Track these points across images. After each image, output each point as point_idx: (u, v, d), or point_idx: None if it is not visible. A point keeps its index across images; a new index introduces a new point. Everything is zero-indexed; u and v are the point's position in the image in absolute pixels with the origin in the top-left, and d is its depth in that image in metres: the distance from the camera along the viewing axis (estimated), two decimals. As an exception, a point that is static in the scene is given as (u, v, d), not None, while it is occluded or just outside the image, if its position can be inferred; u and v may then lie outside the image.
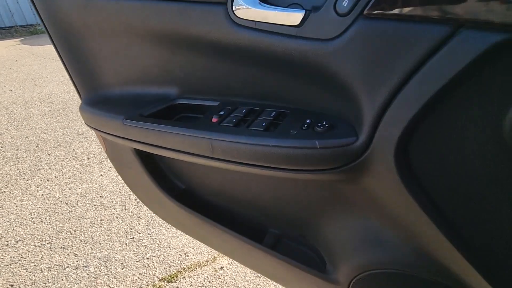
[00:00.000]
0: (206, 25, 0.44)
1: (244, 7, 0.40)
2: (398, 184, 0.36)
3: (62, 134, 2.51)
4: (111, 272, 1.31)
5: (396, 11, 0.30)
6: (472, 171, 0.34)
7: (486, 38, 0.26)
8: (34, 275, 1.32)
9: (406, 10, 0.29)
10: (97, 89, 0.75)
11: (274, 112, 0.47)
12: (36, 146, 2.34)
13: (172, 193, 0.76)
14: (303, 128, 0.41)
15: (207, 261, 1.35)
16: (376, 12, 0.31)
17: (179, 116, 0.64)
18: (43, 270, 1.34)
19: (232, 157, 0.46)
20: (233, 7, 0.41)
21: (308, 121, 0.42)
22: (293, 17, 0.36)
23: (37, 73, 4.24)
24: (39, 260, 1.39)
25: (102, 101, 0.74)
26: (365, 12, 0.31)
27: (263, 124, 0.44)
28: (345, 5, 0.32)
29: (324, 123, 0.40)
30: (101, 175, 1.97)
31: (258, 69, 0.46)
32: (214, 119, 0.50)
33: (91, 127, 0.72)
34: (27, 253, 1.43)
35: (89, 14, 0.59)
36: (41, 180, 1.94)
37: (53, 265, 1.36)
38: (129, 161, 0.77)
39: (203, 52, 0.50)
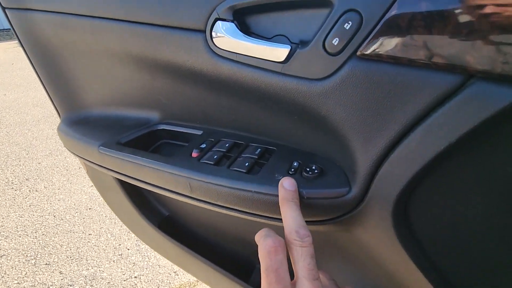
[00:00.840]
0: (183, 53, 0.40)
1: (223, 36, 0.35)
2: (395, 243, 0.31)
3: (54, 142, 2.45)
4: (96, 292, 1.26)
5: (394, 53, 0.25)
6: (477, 235, 0.29)
7: (502, 94, 0.22)
8: (16, 294, 1.27)
9: (406, 53, 0.25)
10: (77, 109, 0.70)
11: (259, 149, 0.42)
12: (27, 154, 2.28)
13: (155, 221, 0.71)
14: (290, 172, 0.37)
15: (198, 281, 1.29)
16: (371, 53, 0.26)
17: (160, 143, 0.59)
18: (25, 288, 1.29)
19: (212, 199, 0.41)
20: (212, 35, 0.36)
21: (295, 164, 0.38)
22: (278, 52, 0.32)
23: (33, 77, 4.18)
24: (23, 278, 1.33)
25: (81, 122, 0.69)
26: (358, 52, 0.27)
27: (246, 163, 0.40)
28: (335, 43, 0.28)
29: (313, 167, 0.36)
30: (92, 185, 1.91)
31: (241, 102, 0.42)
32: (194, 154, 0.45)
33: (69, 150, 0.68)
34: (11, 269, 1.38)
35: (66, 33, 0.55)
36: (29, 191, 1.89)
37: (37, 283, 1.30)
38: (110, 186, 0.72)
39: (183, 80, 0.46)
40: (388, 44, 0.25)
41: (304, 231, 0.28)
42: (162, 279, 1.30)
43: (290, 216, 0.30)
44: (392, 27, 0.25)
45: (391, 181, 0.29)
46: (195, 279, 1.30)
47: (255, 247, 0.63)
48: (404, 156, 0.27)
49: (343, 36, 0.27)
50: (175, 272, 1.33)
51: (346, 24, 0.27)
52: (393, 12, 0.24)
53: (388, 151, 0.29)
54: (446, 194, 0.28)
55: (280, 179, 0.36)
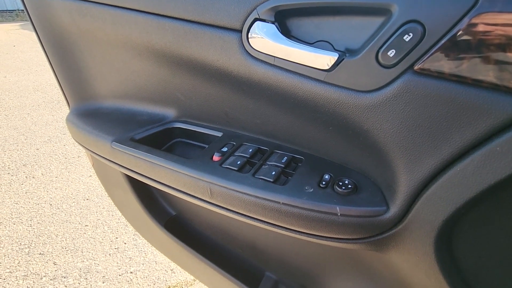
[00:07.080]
0: (214, 52, 0.38)
1: (262, 37, 0.33)
2: (435, 271, 0.30)
3: (54, 128, 2.41)
4: (90, 285, 1.23)
5: (458, 71, 0.23)
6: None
7: None
8: (8, 283, 1.24)
9: (473, 72, 0.23)
10: (88, 99, 0.68)
11: (286, 158, 0.40)
12: (25, 139, 2.24)
13: (161, 220, 0.69)
14: (321, 185, 0.35)
15: (195, 280, 1.28)
16: (430, 69, 0.24)
17: (175, 141, 0.57)
18: (18, 278, 1.26)
19: (234, 207, 0.40)
20: (249, 35, 0.34)
21: (326, 176, 0.36)
22: (323, 60, 0.30)
23: (34, 60, 4.13)
24: (15, 267, 1.30)
25: (92, 113, 0.67)
26: (416, 67, 0.25)
27: (273, 172, 0.38)
28: (391, 55, 0.26)
29: (347, 182, 0.34)
30: (90, 175, 1.88)
31: (270, 106, 0.40)
32: (216, 158, 0.43)
33: (78, 143, 0.65)
34: (3, 257, 1.35)
35: (84, 21, 0.53)
36: (26, 177, 1.85)
37: (30, 273, 1.28)
38: (117, 181, 0.70)
39: (208, 79, 0.43)
40: (452, 61, 0.24)
41: None
42: (158, 276, 1.28)
43: None
44: (459, 43, 0.23)
45: (438, 205, 0.27)
46: (192, 278, 1.28)
47: (266, 254, 0.61)
48: (458, 180, 0.25)
49: (401, 48, 0.25)
50: (172, 270, 1.31)
51: (406, 36, 0.25)
52: (461, 26, 0.23)
53: (436, 173, 0.27)
54: (499, 226, 0.27)
55: (310, 192, 0.34)
